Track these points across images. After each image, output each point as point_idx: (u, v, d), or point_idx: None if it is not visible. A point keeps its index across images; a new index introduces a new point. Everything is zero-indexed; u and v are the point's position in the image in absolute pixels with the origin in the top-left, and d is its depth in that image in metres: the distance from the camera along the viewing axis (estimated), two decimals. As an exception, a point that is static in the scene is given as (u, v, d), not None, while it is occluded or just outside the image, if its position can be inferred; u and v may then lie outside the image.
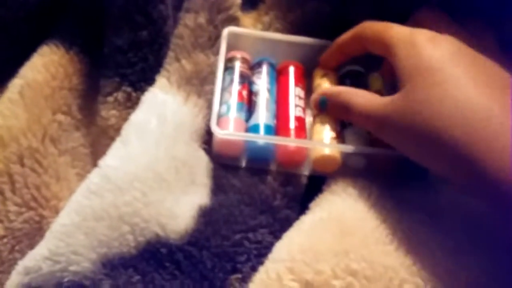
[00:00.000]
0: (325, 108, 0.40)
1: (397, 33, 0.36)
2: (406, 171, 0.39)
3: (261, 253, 0.36)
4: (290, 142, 0.41)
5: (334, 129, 0.41)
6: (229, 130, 0.40)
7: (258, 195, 0.38)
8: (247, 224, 0.37)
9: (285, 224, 0.38)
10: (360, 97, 0.37)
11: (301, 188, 0.40)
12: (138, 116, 0.39)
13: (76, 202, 0.34)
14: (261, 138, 0.40)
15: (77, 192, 0.35)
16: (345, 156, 0.39)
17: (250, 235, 0.37)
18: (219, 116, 0.41)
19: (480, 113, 0.31)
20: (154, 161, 0.36)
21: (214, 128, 0.38)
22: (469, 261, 0.34)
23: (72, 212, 0.34)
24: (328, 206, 0.37)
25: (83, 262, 0.33)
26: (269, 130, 0.42)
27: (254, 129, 0.41)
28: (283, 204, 0.39)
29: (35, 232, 0.37)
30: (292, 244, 0.35)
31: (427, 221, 0.37)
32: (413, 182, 0.39)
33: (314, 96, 0.41)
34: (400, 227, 0.36)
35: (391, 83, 0.43)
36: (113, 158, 0.36)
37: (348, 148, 0.39)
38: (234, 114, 0.41)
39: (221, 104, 0.41)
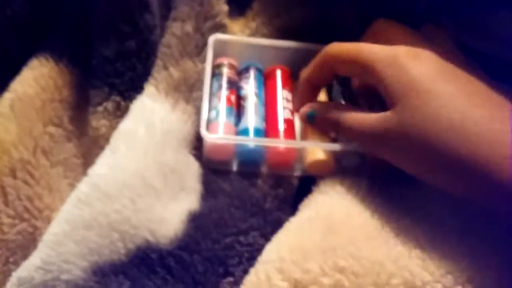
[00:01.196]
0: (313, 122, 0.40)
1: (375, 53, 0.36)
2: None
3: (253, 255, 0.36)
4: (280, 143, 0.41)
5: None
6: (219, 134, 0.40)
7: (248, 198, 0.39)
8: (238, 227, 0.37)
9: (276, 226, 0.38)
10: (351, 114, 0.38)
11: (292, 190, 0.41)
12: (127, 124, 0.39)
13: (66, 212, 0.35)
14: (251, 141, 0.40)
15: (67, 201, 0.36)
16: (340, 155, 0.39)
17: (241, 238, 0.37)
18: (209, 122, 0.41)
19: (479, 122, 0.31)
20: (142, 168, 0.37)
21: (204, 132, 0.39)
22: (458, 254, 0.35)
23: (62, 221, 0.34)
24: (316, 205, 0.38)
25: (74, 270, 0.33)
26: (258, 133, 0.42)
27: (244, 132, 0.42)
28: (274, 206, 0.39)
29: (28, 243, 0.38)
30: (280, 244, 0.36)
31: (416, 215, 0.37)
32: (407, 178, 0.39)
33: (303, 109, 0.41)
34: (389, 222, 0.36)
35: (368, 97, 0.43)
36: (102, 167, 0.37)
37: (340, 147, 0.39)
38: (223, 118, 0.42)
39: (210, 110, 0.42)
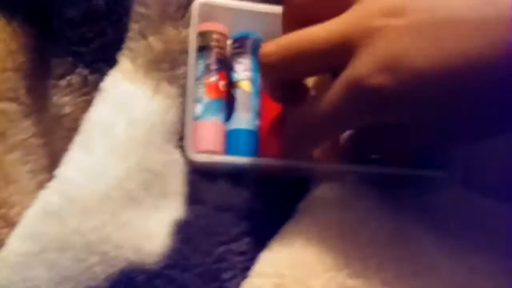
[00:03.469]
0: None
1: None
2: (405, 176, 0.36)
3: (247, 266, 0.33)
4: (278, 163, 0.36)
5: None
6: (206, 143, 0.35)
7: (237, 198, 0.34)
8: (229, 234, 0.33)
9: (271, 230, 0.34)
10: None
11: (288, 187, 0.36)
12: (101, 114, 0.33)
13: (32, 227, 0.29)
14: (243, 161, 0.35)
15: (31, 211, 0.30)
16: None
17: (234, 246, 0.33)
18: (194, 118, 0.35)
19: None
20: (124, 176, 0.31)
21: (189, 152, 0.33)
22: (470, 262, 0.33)
23: (27, 239, 0.29)
24: (316, 211, 0.34)
25: (47, 302, 0.28)
26: (251, 137, 0.37)
27: (235, 135, 0.37)
28: (266, 207, 0.35)
29: None
30: (278, 256, 0.32)
31: (426, 224, 0.34)
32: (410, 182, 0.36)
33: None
34: (400, 233, 0.33)
35: None
36: (74, 171, 0.31)
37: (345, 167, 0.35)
38: (210, 117, 0.36)
39: (195, 101, 0.36)
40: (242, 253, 0.33)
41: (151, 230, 0.31)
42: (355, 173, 0.36)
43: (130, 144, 0.32)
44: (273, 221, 0.35)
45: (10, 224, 0.32)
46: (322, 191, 0.35)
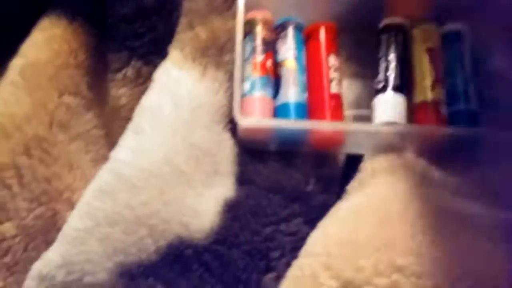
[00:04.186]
0: None
1: None
2: (453, 148, 0.34)
3: (296, 246, 0.33)
4: (327, 126, 0.36)
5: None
6: (255, 116, 0.35)
7: (287, 180, 0.34)
8: (278, 215, 0.33)
9: (322, 211, 0.34)
10: None
11: (338, 169, 0.36)
12: (151, 99, 0.34)
13: (87, 204, 0.31)
14: (292, 125, 0.35)
15: (88, 190, 0.32)
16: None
17: (283, 226, 0.33)
18: (242, 96, 0.36)
19: None
20: (171, 153, 0.32)
21: (238, 116, 0.34)
22: None
23: (83, 215, 0.30)
24: (367, 190, 0.33)
25: (99, 273, 0.30)
26: (300, 109, 0.37)
27: (283, 109, 0.37)
28: (317, 189, 0.35)
29: (49, 228, 0.34)
30: (327, 236, 0.32)
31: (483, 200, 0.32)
32: (461, 159, 0.35)
33: None
34: (451, 211, 0.32)
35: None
36: (125, 152, 0.32)
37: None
38: (258, 91, 0.36)
39: (243, 80, 0.36)
40: (291, 233, 0.33)
41: (200, 207, 0.32)
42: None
43: (177, 122, 0.33)
44: (323, 203, 0.35)
45: (73, 207, 0.34)
46: (372, 171, 0.35)
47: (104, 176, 0.32)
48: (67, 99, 0.38)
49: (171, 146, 0.33)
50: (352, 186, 0.35)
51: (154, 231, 0.30)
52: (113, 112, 0.39)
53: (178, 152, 0.33)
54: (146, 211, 0.30)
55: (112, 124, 0.39)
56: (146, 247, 0.30)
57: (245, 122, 0.33)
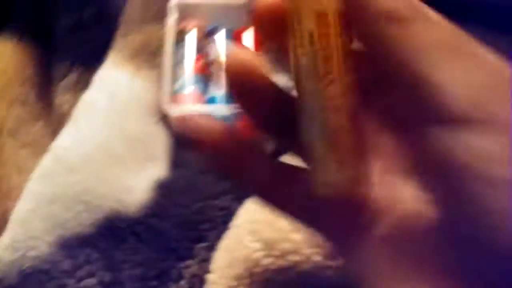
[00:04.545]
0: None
1: None
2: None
3: (227, 220, 0.35)
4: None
5: None
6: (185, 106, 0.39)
7: None
8: (208, 192, 0.36)
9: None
10: None
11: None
12: (88, 95, 0.38)
13: (30, 188, 0.34)
14: (220, 109, 0.39)
15: (32, 178, 0.35)
16: None
17: (213, 202, 0.36)
18: (174, 93, 0.40)
19: None
20: (106, 140, 0.36)
21: (166, 106, 0.37)
22: None
23: (27, 198, 0.33)
24: None
25: (41, 247, 0.32)
26: (227, 101, 0.41)
27: (212, 101, 0.41)
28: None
29: (1, 223, 0.37)
30: (252, 208, 0.35)
31: None
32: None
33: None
34: None
35: None
36: (64, 140, 0.36)
37: None
38: (190, 88, 0.40)
39: (174, 81, 0.40)
40: (222, 208, 0.36)
41: (133, 185, 0.35)
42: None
43: (110, 114, 0.37)
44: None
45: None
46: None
47: (44, 162, 0.35)
48: (16, 110, 0.42)
49: (106, 134, 0.36)
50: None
51: (89, 206, 0.33)
52: (58, 121, 0.43)
53: (113, 139, 0.36)
54: (82, 189, 0.34)
55: (59, 131, 0.43)
56: (83, 221, 0.33)
57: (173, 111, 0.37)
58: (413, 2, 0.17)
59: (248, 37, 0.44)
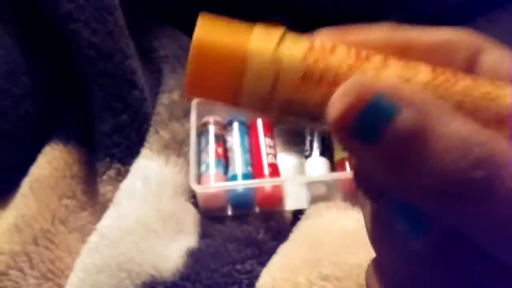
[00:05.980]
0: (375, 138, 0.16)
1: None
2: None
3: (252, 282, 0.40)
4: (266, 183, 0.46)
5: None
6: (210, 185, 0.45)
7: (241, 232, 0.43)
8: (234, 257, 0.41)
9: (272, 255, 0.42)
10: None
11: (285, 221, 0.45)
12: (126, 182, 0.45)
13: (80, 262, 0.40)
14: (240, 184, 0.45)
15: (81, 254, 0.41)
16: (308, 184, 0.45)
17: (239, 266, 0.41)
18: (200, 175, 0.47)
19: None
20: (142, 215, 0.42)
21: (193, 185, 0.44)
22: None
23: (78, 271, 0.39)
24: (301, 228, 0.42)
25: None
26: (246, 177, 0.47)
27: (233, 179, 0.47)
28: (267, 237, 0.44)
29: None
30: (272, 266, 0.40)
31: None
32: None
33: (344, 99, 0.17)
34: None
35: None
36: (107, 219, 0.42)
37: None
38: (213, 170, 0.47)
39: (200, 164, 0.47)
40: (247, 272, 0.41)
41: (168, 254, 0.41)
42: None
43: (146, 194, 0.43)
44: (273, 248, 0.43)
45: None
46: (305, 216, 0.44)
47: (91, 238, 0.41)
48: (66, 201, 0.48)
49: (143, 211, 0.42)
50: (292, 232, 0.44)
51: (131, 273, 0.39)
52: (102, 208, 0.49)
53: (148, 214, 0.42)
54: (124, 259, 0.39)
55: (102, 216, 0.49)
56: (126, 286, 0.39)
57: (200, 188, 0.44)
58: None
59: (260, 125, 0.52)
